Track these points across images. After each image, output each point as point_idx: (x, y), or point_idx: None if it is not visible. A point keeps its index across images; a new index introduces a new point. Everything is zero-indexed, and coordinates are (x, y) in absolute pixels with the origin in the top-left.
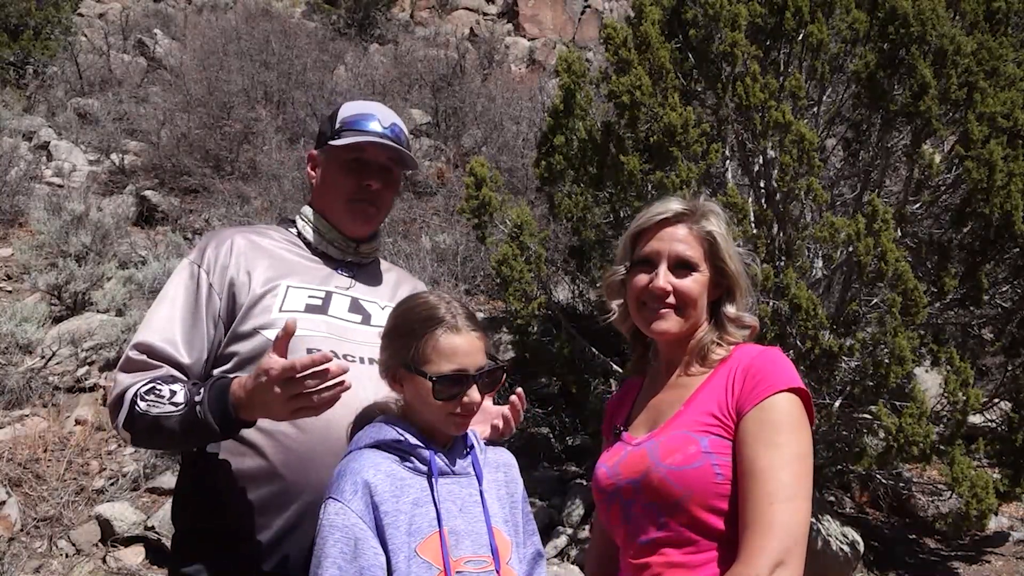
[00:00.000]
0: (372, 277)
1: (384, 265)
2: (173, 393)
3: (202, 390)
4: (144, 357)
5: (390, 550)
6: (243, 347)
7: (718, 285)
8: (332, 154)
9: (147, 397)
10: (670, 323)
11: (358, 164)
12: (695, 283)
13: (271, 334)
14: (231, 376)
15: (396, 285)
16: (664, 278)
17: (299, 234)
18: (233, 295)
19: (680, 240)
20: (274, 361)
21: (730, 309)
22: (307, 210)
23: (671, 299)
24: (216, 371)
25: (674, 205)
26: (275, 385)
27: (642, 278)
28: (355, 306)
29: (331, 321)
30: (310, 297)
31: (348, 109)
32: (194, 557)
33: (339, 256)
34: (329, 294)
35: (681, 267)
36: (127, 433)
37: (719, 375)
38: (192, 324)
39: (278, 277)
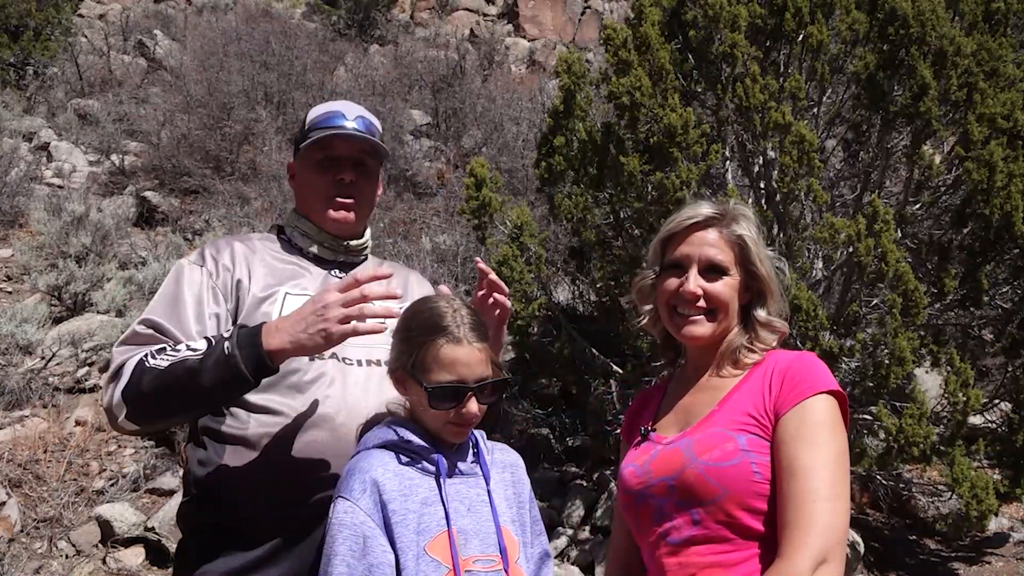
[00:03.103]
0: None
1: (375, 262)
2: (189, 346)
3: (228, 332)
4: (152, 331)
5: (398, 548)
6: None
7: (748, 288)
8: (304, 157)
9: (159, 355)
10: (703, 328)
11: (329, 161)
12: (726, 287)
13: None
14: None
15: (404, 283)
16: (694, 282)
17: (289, 240)
18: (239, 297)
19: (711, 244)
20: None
21: (761, 313)
22: (293, 216)
23: (702, 303)
24: None
25: (704, 209)
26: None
27: (672, 282)
28: None
29: None
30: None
31: (314, 112)
32: (205, 558)
33: (331, 257)
34: None
35: (711, 271)
36: (123, 406)
37: (754, 377)
38: (198, 317)
39: (276, 284)
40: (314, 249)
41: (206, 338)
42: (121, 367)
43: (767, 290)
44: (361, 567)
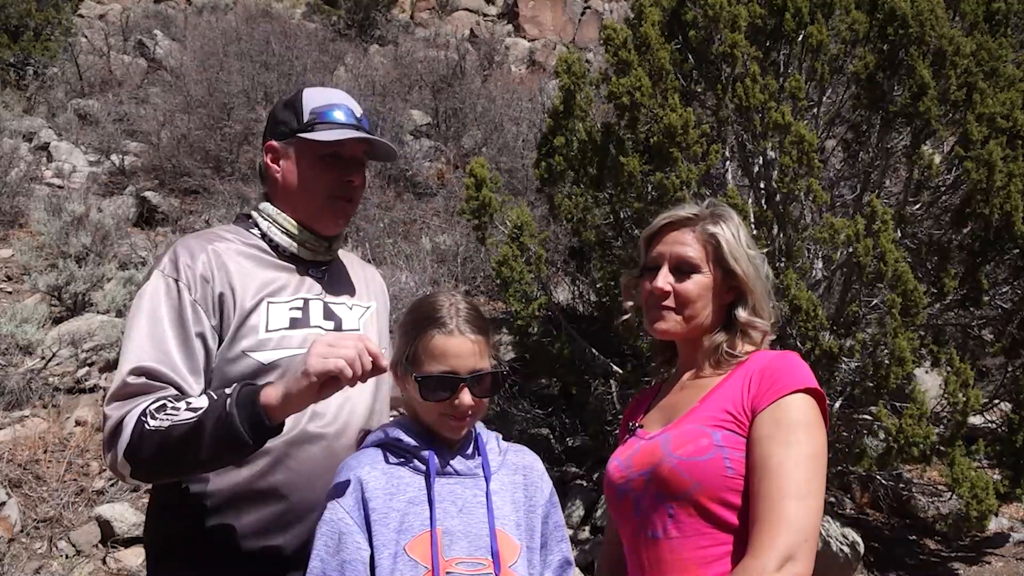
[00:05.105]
0: (337, 274)
1: (345, 256)
2: (189, 403)
3: (231, 389)
4: (143, 380)
5: (375, 546)
6: (231, 369)
7: (731, 288)
8: (306, 148)
9: (158, 415)
10: (668, 323)
11: (336, 159)
12: (695, 284)
13: (261, 356)
14: (261, 383)
15: (363, 279)
16: (663, 279)
17: (263, 236)
18: (223, 312)
19: (681, 243)
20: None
21: (741, 313)
22: (269, 208)
23: (671, 301)
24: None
25: (681, 211)
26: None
27: (647, 283)
28: (328, 312)
29: (314, 334)
30: (291, 310)
31: (314, 98)
32: (184, 569)
33: (310, 257)
34: (306, 302)
35: (681, 269)
36: (127, 464)
37: (736, 376)
38: (185, 345)
39: (258, 292)
40: (295, 249)
41: (207, 394)
42: (119, 424)
43: (747, 288)
44: (334, 562)
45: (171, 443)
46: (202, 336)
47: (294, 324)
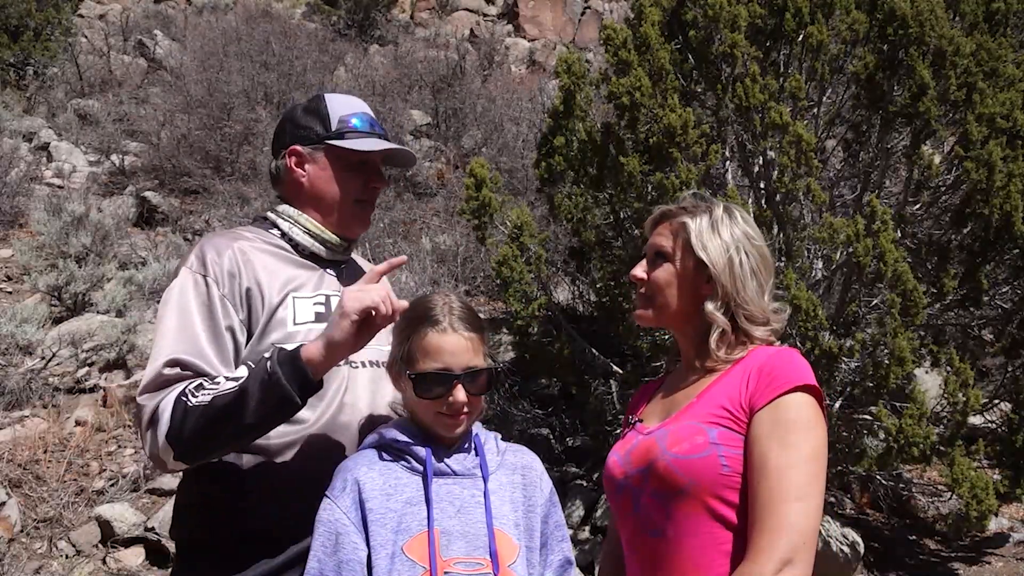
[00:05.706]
0: (353, 273)
1: (359, 258)
2: (228, 376)
3: (268, 352)
4: (177, 370)
5: (372, 547)
6: None
7: (709, 280)
8: (337, 155)
9: (198, 393)
10: (641, 311)
11: (363, 166)
12: (663, 272)
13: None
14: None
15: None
16: (639, 268)
17: (283, 235)
18: (251, 307)
19: (659, 234)
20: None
21: (707, 306)
22: (289, 210)
23: (645, 289)
24: None
25: (665, 206)
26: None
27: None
28: None
29: None
30: (315, 304)
31: (338, 106)
32: (221, 568)
33: (330, 256)
34: (328, 298)
35: (656, 258)
36: (170, 448)
37: (735, 372)
38: (215, 339)
39: (284, 287)
40: (315, 248)
41: (245, 364)
42: (156, 411)
43: (715, 279)
44: (332, 563)
45: (215, 414)
46: (231, 329)
47: (319, 319)
